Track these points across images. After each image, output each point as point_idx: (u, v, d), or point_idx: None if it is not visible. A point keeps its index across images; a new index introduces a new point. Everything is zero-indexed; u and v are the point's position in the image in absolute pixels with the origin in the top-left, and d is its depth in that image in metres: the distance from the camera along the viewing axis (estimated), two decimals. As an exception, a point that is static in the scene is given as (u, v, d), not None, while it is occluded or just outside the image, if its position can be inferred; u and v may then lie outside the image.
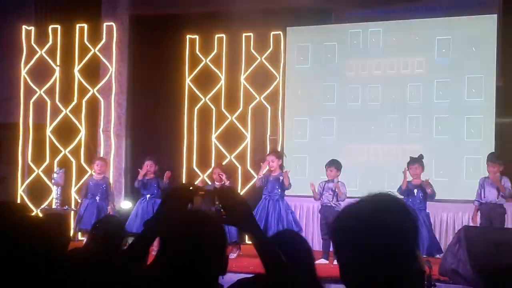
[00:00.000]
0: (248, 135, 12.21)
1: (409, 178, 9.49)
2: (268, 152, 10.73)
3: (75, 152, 12.56)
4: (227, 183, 9.94)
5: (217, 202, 2.48)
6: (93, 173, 11.03)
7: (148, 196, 10.57)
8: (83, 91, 12.69)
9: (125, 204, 11.12)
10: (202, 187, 2.61)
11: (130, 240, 7.51)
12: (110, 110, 12.51)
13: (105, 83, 12.59)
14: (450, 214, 10.51)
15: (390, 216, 1.81)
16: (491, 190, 9.30)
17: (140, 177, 10.52)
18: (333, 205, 9.66)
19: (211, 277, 2.29)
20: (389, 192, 1.92)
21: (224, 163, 11.58)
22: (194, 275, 2.24)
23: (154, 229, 2.45)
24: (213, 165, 11.37)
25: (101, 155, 12.14)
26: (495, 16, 11.00)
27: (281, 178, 9.98)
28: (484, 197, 9.35)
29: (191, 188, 2.62)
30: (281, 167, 10.18)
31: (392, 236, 1.78)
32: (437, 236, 9.72)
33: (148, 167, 10.69)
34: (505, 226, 9.20)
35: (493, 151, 10.26)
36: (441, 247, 9.03)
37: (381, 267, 1.78)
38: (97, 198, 10.72)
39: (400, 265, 1.80)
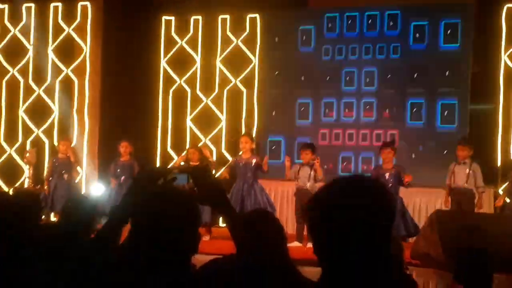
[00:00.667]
0: (224, 118, 12.17)
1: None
2: (243, 134, 10.73)
3: (48, 132, 12.45)
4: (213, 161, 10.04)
5: (190, 181, 2.47)
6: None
7: (122, 178, 10.51)
8: (57, 71, 12.56)
9: (97, 189, 11.04)
10: (175, 166, 2.60)
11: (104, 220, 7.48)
12: (84, 91, 12.39)
13: (79, 63, 12.47)
14: (423, 199, 10.57)
15: (366, 196, 1.81)
16: (461, 175, 9.38)
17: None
18: (309, 188, 9.68)
19: (182, 255, 2.27)
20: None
21: (199, 145, 11.58)
22: (164, 253, 2.22)
23: (125, 208, 2.43)
24: (187, 147, 11.33)
25: (75, 136, 12.06)
26: (471, 4, 11.02)
27: (253, 161, 10.00)
28: (454, 182, 9.43)
29: (163, 167, 2.61)
30: (253, 150, 10.19)
31: (368, 216, 1.78)
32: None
33: (124, 148, 10.63)
34: (474, 211, 9.28)
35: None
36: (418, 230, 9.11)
37: (356, 247, 1.78)
38: (65, 176, 10.67)
39: (375, 246, 1.80)
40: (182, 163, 10.24)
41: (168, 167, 2.57)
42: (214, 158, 11.75)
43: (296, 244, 9.05)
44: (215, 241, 9.39)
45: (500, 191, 10.26)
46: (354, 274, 1.80)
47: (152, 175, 2.48)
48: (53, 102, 12.55)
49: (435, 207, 9.97)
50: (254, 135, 11.67)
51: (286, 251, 3.06)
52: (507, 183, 9.69)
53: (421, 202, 10.59)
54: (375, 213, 1.79)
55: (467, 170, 9.33)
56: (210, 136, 12.16)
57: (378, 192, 1.84)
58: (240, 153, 10.20)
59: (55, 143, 12.31)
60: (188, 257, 2.30)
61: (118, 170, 10.60)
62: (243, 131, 11.76)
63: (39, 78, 12.63)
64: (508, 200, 9.50)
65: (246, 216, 3.30)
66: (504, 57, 10.70)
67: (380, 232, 1.81)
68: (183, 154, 10.72)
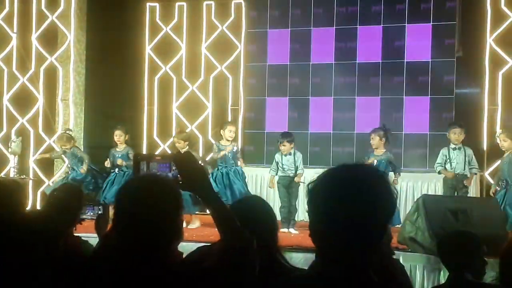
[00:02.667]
0: (210, 105, 12.12)
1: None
2: (228, 121, 10.71)
3: (33, 121, 12.38)
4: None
5: (173, 168, 2.44)
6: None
7: (116, 169, 10.45)
8: (41, 59, 12.47)
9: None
10: (160, 153, 2.57)
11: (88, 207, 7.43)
12: (68, 79, 12.31)
13: (63, 51, 12.38)
14: (410, 183, 10.59)
15: (368, 184, 1.80)
16: (458, 161, 9.38)
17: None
18: (291, 174, 9.72)
19: (165, 242, 2.25)
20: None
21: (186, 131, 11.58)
22: (147, 239, 2.20)
23: None
24: (173, 134, 11.31)
25: (60, 124, 11.99)
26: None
27: (235, 148, 10.03)
28: (452, 168, 9.42)
29: (146, 154, 2.59)
30: (235, 138, 10.21)
31: (368, 205, 1.77)
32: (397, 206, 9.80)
33: (117, 137, 10.58)
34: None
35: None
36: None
37: (353, 234, 1.77)
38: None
39: (372, 235, 1.80)
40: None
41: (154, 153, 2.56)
42: (200, 145, 11.78)
43: (283, 230, 9.05)
44: (203, 228, 9.41)
45: (487, 175, 10.29)
46: (347, 261, 1.80)
47: (136, 162, 2.47)
48: (38, 91, 12.45)
49: (421, 191, 10.00)
50: (240, 122, 11.71)
51: (276, 238, 3.04)
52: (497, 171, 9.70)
53: (408, 187, 10.61)
54: (377, 203, 1.79)
55: (463, 156, 9.35)
56: (196, 123, 12.11)
57: (380, 182, 1.83)
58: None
59: (40, 132, 12.25)
60: (170, 244, 2.28)
61: (114, 159, 10.52)
62: (229, 118, 11.74)
63: (23, 66, 12.53)
64: (498, 188, 9.52)
65: (240, 202, 3.26)
66: (489, 41, 10.70)
67: (379, 222, 1.81)
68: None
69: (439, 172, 9.57)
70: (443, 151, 9.59)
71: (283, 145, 9.83)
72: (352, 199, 1.77)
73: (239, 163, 10.16)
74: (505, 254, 3.04)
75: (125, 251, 2.22)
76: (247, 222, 2.83)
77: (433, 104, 10.96)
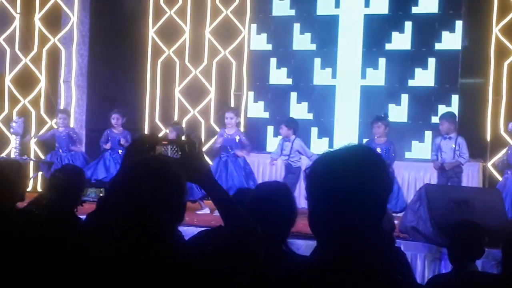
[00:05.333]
0: (212, 90, 12.07)
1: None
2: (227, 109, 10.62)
3: (35, 102, 12.34)
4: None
5: (179, 152, 2.42)
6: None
7: (110, 150, 10.47)
8: (43, 40, 12.41)
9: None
10: (164, 137, 2.55)
11: (90, 190, 7.40)
12: (71, 60, 12.26)
13: (67, 32, 12.31)
14: (412, 173, 10.57)
15: (366, 166, 1.77)
16: (447, 150, 9.35)
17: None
18: (290, 162, 9.71)
19: (166, 224, 2.22)
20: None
21: (186, 118, 11.60)
22: (148, 220, 2.17)
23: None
24: (175, 119, 11.31)
25: (62, 106, 11.95)
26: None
27: (237, 137, 9.95)
28: (441, 158, 9.41)
29: (153, 137, 2.56)
30: (238, 125, 10.15)
31: (366, 186, 1.74)
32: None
33: (115, 120, 10.55)
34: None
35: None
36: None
37: (351, 218, 1.74)
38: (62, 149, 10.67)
39: (370, 219, 1.77)
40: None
41: (157, 135, 2.53)
42: (203, 130, 11.75)
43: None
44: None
45: (489, 165, 10.25)
46: (347, 247, 1.77)
47: (143, 143, 2.43)
48: (40, 72, 12.41)
49: (423, 181, 9.97)
50: (243, 108, 11.65)
51: (288, 231, 2.99)
52: (500, 160, 9.67)
53: (410, 176, 10.59)
54: (374, 185, 1.77)
55: (453, 145, 9.31)
56: (198, 108, 12.06)
57: (378, 164, 1.80)
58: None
59: (42, 113, 12.22)
60: (172, 226, 2.25)
61: (111, 143, 10.52)
62: (232, 103, 11.70)
63: (26, 47, 12.47)
64: (500, 178, 9.50)
65: (258, 189, 3.22)
66: (495, 30, 10.63)
67: (377, 205, 1.79)
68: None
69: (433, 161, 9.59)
70: (436, 140, 9.60)
71: (281, 129, 9.85)
72: (349, 181, 1.74)
73: (240, 153, 9.98)
74: (507, 244, 3.00)
75: (125, 234, 2.19)
76: (261, 209, 2.81)
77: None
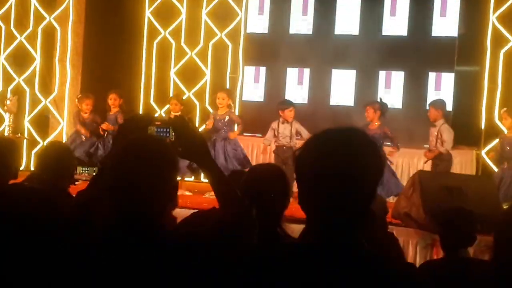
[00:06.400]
0: (208, 72, 12.03)
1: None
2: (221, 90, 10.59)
3: (30, 80, 12.27)
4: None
5: (172, 134, 2.40)
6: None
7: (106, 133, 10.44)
8: (39, 18, 12.32)
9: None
10: (158, 117, 2.53)
11: (82, 169, 7.38)
12: (66, 40, 12.19)
13: (62, 11, 12.22)
14: (405, 159, 10.58)
15: (356, 149, 1.76)
16: (432, 137, 9.37)
17: None
18: (291, 145, 9.65)
19: (159, 205, 2.20)
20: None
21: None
22: (140, 202, 2.15)
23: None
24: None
25: (56, 86, 11.91)
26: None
27: (227, 117, 9.92)
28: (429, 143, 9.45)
29: (146, 117, 2.54)
30: (229, 106, 10.12)
31: (356, 168, 1.73)
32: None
33: (112, 101, 10.51)
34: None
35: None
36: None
37: (341, 200, 1.73)
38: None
39: (360, 199, 1.77)
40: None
41: (151, 115, 2.52)
42: (198, 112, 11.73)
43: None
44: (197, 195, 9.42)
45: (483, 153, 10.25)
46: (337, 229, 1.77)
47: (137, 122, 2.42)
48: (35, 50, 12.34)
49: (417, 167, 9.98)
50: (238, 91, 11.64)
51: (282, 214, 3.00)
52: (493, 151, 9.66)
53: (404, 163, 10.60)
54: (364, 168, 1.76)
55: (436, 132, 9.31)
56: (194, 90, 12.02)
57: (368, 146, 1.79)
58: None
59: (36, 92, 12.16)
60: (165, 208, 2.24)
61: (109, 123, 10.47)
62: (228, 86, 11.67)
63: (21, 25, 12.39)
64: (495, 169, 9.51)
65: (252, 171, 3.22)
66: (492, 18, 10.60)
67: (367, 188, 1.78)
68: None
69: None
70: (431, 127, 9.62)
71: (289, 111, 9.75)
72: (338, 163, 1.74)
73: (233, 134, 9.98)
74: (499, 231, 2.99)
75: (116, 213, 2.18)
76: (255, 191, 2.81)
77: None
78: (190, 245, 2.20)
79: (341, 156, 1.74)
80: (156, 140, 2.30)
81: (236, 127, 10.11)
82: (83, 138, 10.46)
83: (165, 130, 2.43)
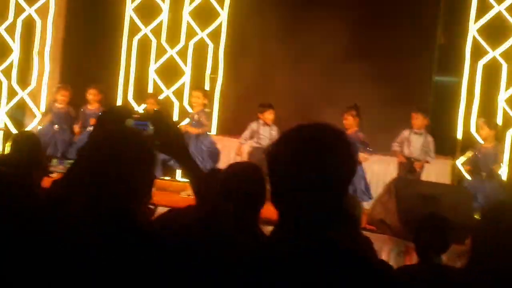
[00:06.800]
0: (188, 71, 11.99)
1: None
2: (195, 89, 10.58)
3: (7, 72, 12.14)
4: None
5: (151, 128, 2.37)
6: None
7: (88, 128, 10.33)
8: (19, 10, 12.19)
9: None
10: (136, 110, 2.51)
11: (57, 161, 7.28)
12: (46, 32, 12.08)
13: (43, 3, 12.11)
14: (382, 166, 10.61)
15: (327, 143, 1.75)
16: (416, 145, 9.41)
17: None
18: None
19: (135, 196, 2.17)
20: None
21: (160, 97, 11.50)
22: (116, 196, 2.12)
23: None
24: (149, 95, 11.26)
25: (35, 78, 11.80)
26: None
27: (196, 116, 9.95)
28: (409, 151, 9.47)
29: (125, 109, 2.51)
30: (205, 105, 10.11)
31: (328, 164, 1.72)
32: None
33: (92, 96, 10.43)
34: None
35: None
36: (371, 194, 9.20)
37: (313, 196, 1.72)
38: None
39: (333, 196, 1.75)
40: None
41: (129, 108, 2.49)
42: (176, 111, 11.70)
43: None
44: (174, 194, 9.40)
45: (459, 164, 10.32)
46: (309, 226, 1.76)
47: (115, 115, 2.39)
48: (14, 42, 12.20)
49: (392, 175, 10.02)
50: (219, 90, 11.62)
51: (258, 212, 2.98)
52: (468, 158, 9.73)
53: (379, 170, 10.63)
54: (336, 164, 1.75)
55: (422, 141, 9.36)
56: (173, 88, 11.98)
57: (340, 142, 1.78)
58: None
59: (13, 84, 12.04)
60: (142, 202, 2.21)
61: (86, 119, 10.37)
62: (207, 86, 11.65)
63: (1, 16, 12.25)
64: (469, 178, 9.58)
65: (229, 168, 3.20)
66: (472, 30, 10.68)
67: (338, 184, 1.77)
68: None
69: (394, 152, 9.62)
70: (405, 132, 9.63)
71: (269, 113, 9.76)
72: (310, 159, 1.73)
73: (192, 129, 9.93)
74: (475, 239, 2.99)
75: (91, 205, 2.15)
76: (232, 189, 2.79)
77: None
78: (166, 239, 2.18)
79: (313, 152, 1.73)
80: (134, 133, 2.27)
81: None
82: (56, 128, 10.37)
83: (143, 123, 2.40)
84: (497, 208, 2.62)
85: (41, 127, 10.81)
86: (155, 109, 9.40)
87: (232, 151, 11.05)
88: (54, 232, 2.14)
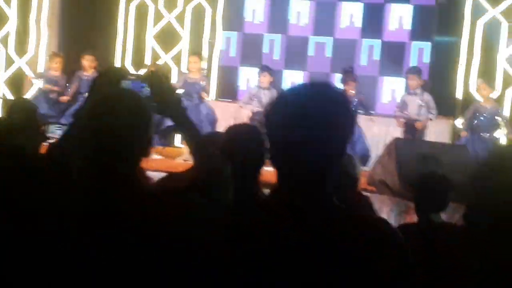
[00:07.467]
0: (186, 37, 11.92)
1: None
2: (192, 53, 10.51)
3: (4, 40, 12.08)
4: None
5: (147, 88, 2.36)
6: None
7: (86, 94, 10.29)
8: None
9: None
10: (132, 72, 2.49)
11: (55, 127, 7.26)
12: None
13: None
14: (382, 127, 10.60)
15: (327, 102, 1.74)
16: (413, 105, 9.41)
17: None
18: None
19: (133, 157, 2.17)
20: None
21: (159, 63, 11.43)
22: (115, 153, 2.12)
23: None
24: (148, 64, 11.19)
25: (33, 47, 11.75)
26: None
27: (202, 83, 9.85)
28: (407, 112, 9.48)
29: (121, 71, 2.50)
30: (201, 70, 10.06)
31: (326, 122, 1.72)
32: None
33: (88, 62, 10.38)
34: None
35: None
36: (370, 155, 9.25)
37: (311, 155, 1.72)
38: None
39: (331, 157, 1.75)
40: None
41: (125, 68, 2.48)
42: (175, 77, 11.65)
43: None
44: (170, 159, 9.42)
45: (457, 123, 10.32)
46: (308, 186, 1.76)
47: (111, 76, 2.38)
48: (10, 9, 12.12)
49: (392, 135, 10.02)
50: (217, 56, 11.57)
51: (258, 174, 2.98)
52: (465, 119, 9.74)
53: (380, 131, 10.62)
54: (335, 123, 1.74)
55: (419, 100, 9.36)
56: (171, 54, 11.92)
57: (339, 101, 1.78)
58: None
59: (11, 52, 11.98)
60: (139, 162, 2.21)
61: (82, 85, 10.33)
62: (206, 51, 11.60)
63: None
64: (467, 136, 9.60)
65: (228, 130, 3.20)
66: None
67: (337, 143, 1.76)
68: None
69: (395, 118, 9.70)
70: (402, 96, 9.68)
71: (263, 76, 9.72)
72: (308, 118, 1.72)
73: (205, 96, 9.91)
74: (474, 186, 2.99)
75: (90, 169, 2.15)
76: (232, 150, 2.79)
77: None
78: (166, 199, 2.19)
79: (311, 111, 1.72)
80: (131, 94, 2.26)
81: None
82: (51, 95, 10.36)
83: (140, 85, 2.39)
84: (498, 155, 2.59)
85: (36, 94, 10.75)
86: (152, 70, 9.34)
87: (231, 116, 11.05)
88: (56, 196, 2.14)
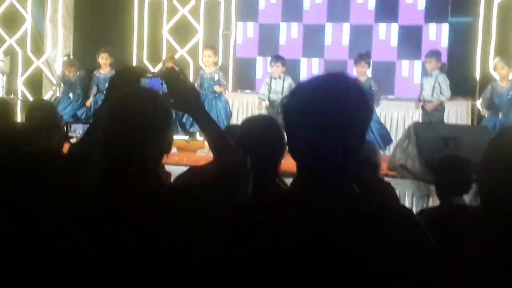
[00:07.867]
0: (201, 30, 11.93)
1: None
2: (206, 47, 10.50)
3: (21, 41, 12.17)
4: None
5: (164, 86, 2.38)
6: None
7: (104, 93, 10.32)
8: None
9: None
10: (148, 70, 2.51)
11: (73, 127, 7.29)
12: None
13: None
14: (401, 112, 10.57)
15: (345, 93, 1.75)
16: (427, 88, 9.35)
17: None
18: (278, 100, 9.62)
19: (153, 155, 2.20)
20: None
21: (175, 57, 11.43)
22: (135, 151, 2.15)
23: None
24: (164, 58, 11.20)
25: (49, 46, 11.81)
26: None
27: (216, 76, 9.84)
28: (422, 95, 9.44)
29: (138, 69, 2.52)
30: (217, 64, 10.05)
31: (344, 112, 1.73)
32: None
33: (104, 60, 10.42)
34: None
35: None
36: (391, 138, 9.21)
37: (330, 145, 1.73)
38: None
39: (351, 145, 1.76)
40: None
41: (142, 67, 2.50)
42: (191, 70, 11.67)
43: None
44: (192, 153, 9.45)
45: (478, 104, 10.25)
46: (328, 176, 1.76)
47: (128, 74, 2.40)
48: (26, 11, 12.20)
49: (412, 119, 9.99)
50: (232, 49, 11.57)
51: (278, 164, 2.99)
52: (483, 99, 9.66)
53: (399, 116, 10.59)
54: (353, 113, 1.75)
55: (433, 82, 9.29)
56: (186, 48, 11.94)
57: (357, 91, 1.78)
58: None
59: (28, 53, 12.07)
60: (160, 160, 2.23)
61: (99, 83, 10.38)
62: (221, 43, 11.60)
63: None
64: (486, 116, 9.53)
65: (246, 122, 3.21)
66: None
67: (356, 134, 1.77)
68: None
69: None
70: (421, 79, 9.62)
71: (276, 66, 9.70)
72: (325, 107, 1.73)
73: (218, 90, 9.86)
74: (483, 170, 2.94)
75: (111, 165, 2.18)
76: (250, 142, 2.80)
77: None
78: (186, 195, 2.21)
79: (329, 102, 1.73)
80: (150, 92, 2.29)
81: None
82: (71, 96, 10.43)
83: (157, 82, 2.41)
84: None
85: (56, 96, 10.83)
86: (168, 67, 9.35)
87: (248, 108, 11.06)
88: (77, 193, 2.18)
